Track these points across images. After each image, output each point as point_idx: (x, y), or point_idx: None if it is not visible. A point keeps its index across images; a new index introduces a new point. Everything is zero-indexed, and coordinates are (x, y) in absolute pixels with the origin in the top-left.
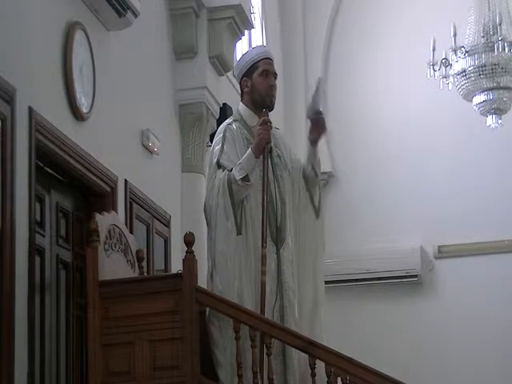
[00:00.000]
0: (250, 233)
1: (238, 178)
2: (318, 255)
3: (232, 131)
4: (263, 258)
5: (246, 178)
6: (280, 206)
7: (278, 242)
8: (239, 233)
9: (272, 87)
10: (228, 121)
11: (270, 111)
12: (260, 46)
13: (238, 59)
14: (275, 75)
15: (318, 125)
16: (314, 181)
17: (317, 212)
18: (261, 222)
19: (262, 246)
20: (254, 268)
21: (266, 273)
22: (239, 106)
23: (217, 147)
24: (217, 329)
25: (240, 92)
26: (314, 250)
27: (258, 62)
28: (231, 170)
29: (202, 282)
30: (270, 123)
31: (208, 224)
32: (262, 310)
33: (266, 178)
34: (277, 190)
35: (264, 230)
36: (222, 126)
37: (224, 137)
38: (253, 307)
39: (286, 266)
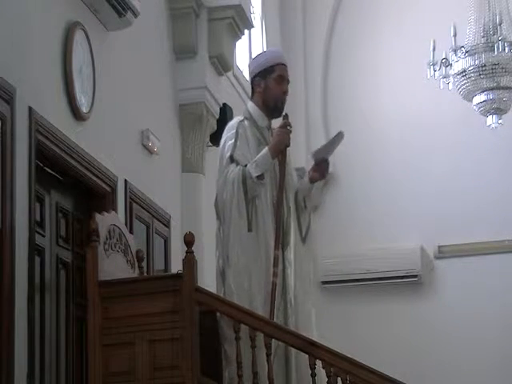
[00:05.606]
0: (260, 231)
1: (254, 175)
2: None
3: (245, 128)
4: (276, 259)
5: (260, 177)
6: (286, 210)
7: (284, 244)
8: (250, 229)
9: (285, 93)
10: (239, 118)
11: (278, 117)
12: (277, 49)
13: (253, 57)
14: (288, 82)
15: (321, 169)
16: (303, 211)
17: (303, 239)
18: (270, 221)
19: (277, 247)
20: (265, 267)
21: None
22: (248, 105)
23: (229, 142)
24: (227, 323)
25: (251, 90)
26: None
27: (275, 65)
28: (245, 165)
29: (202, 282)
30: (291, 127)
31: (219, 218)
32: (272, 311)
33: (282, 180)
34: (284, 194)
35: (278, 232)
36: (233, 122)
37: (237, 133)
38: (261, 307)
39: (289, 269)
